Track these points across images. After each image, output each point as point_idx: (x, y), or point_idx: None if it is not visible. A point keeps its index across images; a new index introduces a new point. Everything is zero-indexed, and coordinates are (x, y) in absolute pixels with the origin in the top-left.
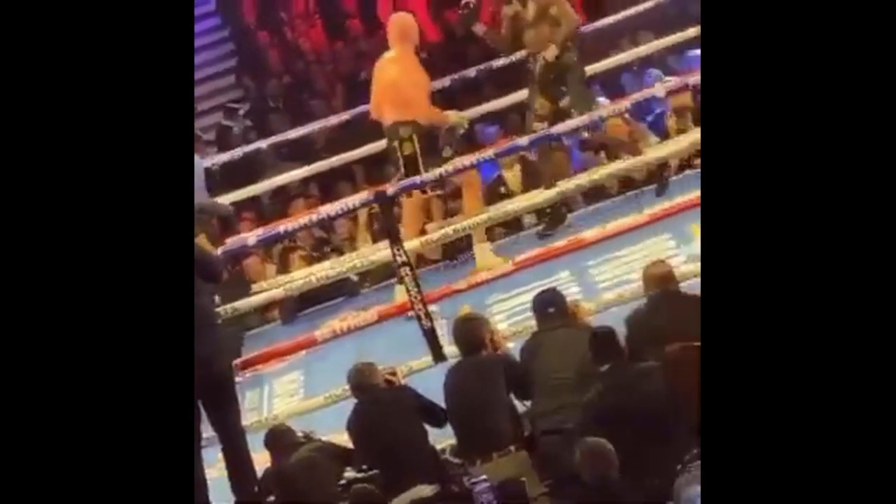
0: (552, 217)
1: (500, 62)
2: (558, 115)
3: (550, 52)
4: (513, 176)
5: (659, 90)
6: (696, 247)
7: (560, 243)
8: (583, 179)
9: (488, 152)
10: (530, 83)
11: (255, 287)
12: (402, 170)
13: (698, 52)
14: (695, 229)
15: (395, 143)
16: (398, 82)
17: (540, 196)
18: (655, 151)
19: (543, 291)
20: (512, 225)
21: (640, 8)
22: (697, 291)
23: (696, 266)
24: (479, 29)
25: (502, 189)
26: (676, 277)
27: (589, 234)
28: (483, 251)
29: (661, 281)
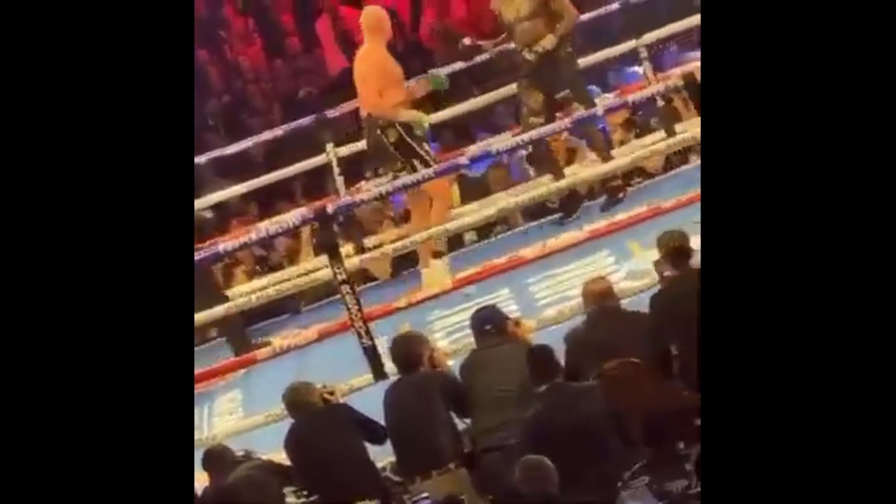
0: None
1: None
2: (553, 109)
3: (549, 41)
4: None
5: (598, 107)
6: (635, 263)
7: (500, 260)
8: (522, 196)
9: (429, 171)
10: (521, 78)
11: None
12: (398, 157)
13: (638, 68)
14: (634, 246)
15: (378, 134)
16: (368, 76)
17: (479, 213)
18: (596, 168)
19: (481, 309)
20: (453, 242)
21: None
22: (638, 308)
23: (636, 283)
24: (466, 41)
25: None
26: (616, 294)
27: (528, 251)
28: (433, 267)
29: (600, 297)
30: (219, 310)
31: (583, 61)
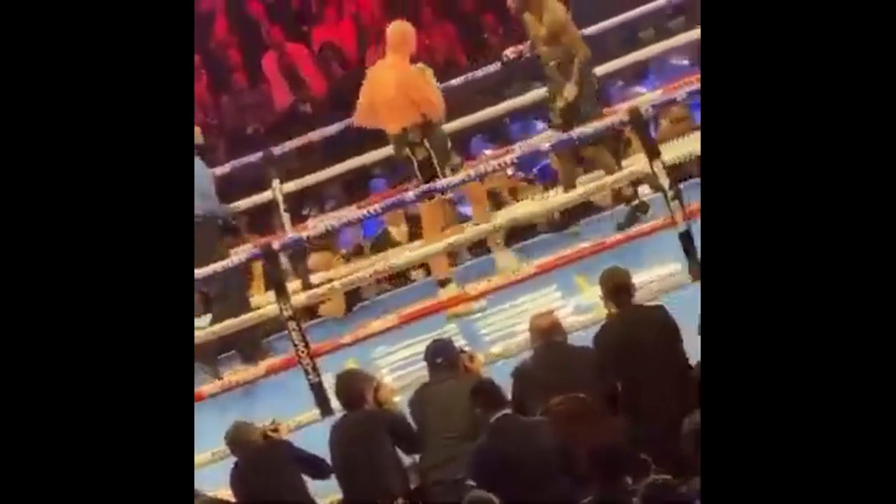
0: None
1: None
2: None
3: (570, 92)
4: (398, 231)
5: (543, 142)
6: (582, 298)
7: (447, 296)
8: (470, 233)
9: (373, 206)
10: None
11: None
12: (419, 175)
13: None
14: (580, 281)
15: (407, 151)
16: (401, 87)
17: (429, 247)
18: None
19: (436, 341)
20: (398, 278)
21: (528, 54)
22: (584, 343)
23: (583, 317)
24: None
25: (387, 243)
26: (563, 329)
27: (475, 287)
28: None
29: (547, 332)
30: None
31: (529, 96)
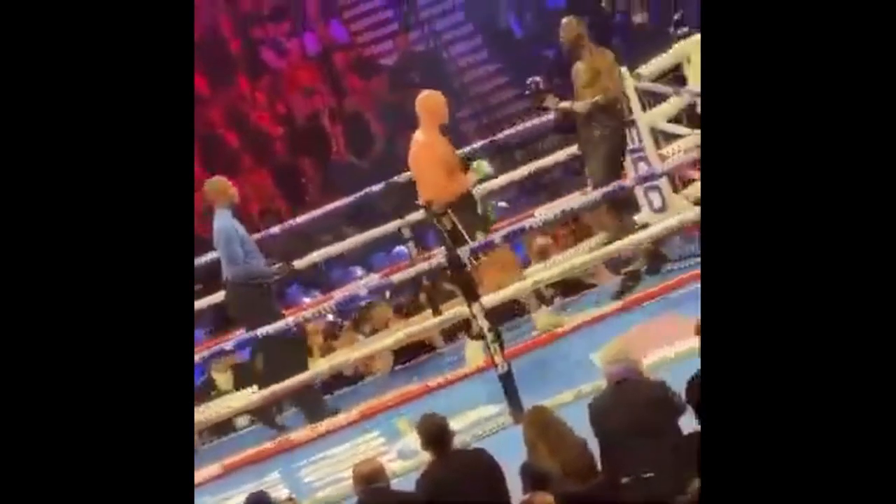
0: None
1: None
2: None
3: (579, 105)
4: (224, 379)
5: (361, 288)
6: (404, 443)
7: (269, 445)
8: (293, 380)
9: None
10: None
11: None
12: (450, 243)
13: (402, 248)
14: (402, 425)
15: (435, 221)
16: (421, 164)
17: (253, 395)
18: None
19: (252, 494)
20: (223, 427)
21: (350, 199)
22: (408, 487)
23: (408, 462)
24: (551, 102)
25: (212, 392)
26: (386, 475)
27: (298, 434)
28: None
29: (369, 479)
30: None
31: (349, 242)
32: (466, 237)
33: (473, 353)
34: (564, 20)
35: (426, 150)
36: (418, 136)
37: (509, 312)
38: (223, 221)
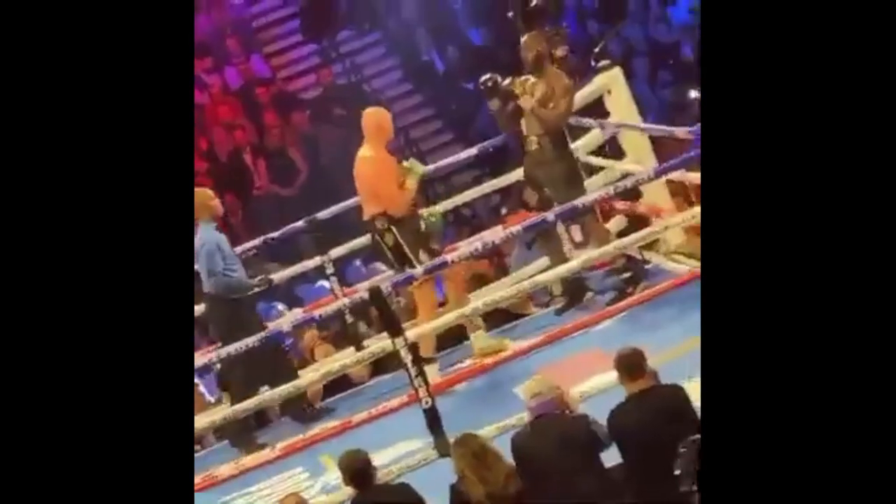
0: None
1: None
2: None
3: (526, 101)
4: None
5: (285, 324)
6: (328, 478)
7: (196, 480)
8: (218, 414)
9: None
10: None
11: None
12: (393, 261)
13: (325, 283)
14: (327, 460)
15: (377, 237)
16: (368, 178)
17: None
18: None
19: None
20: None
21: (270, 236)
22: None
23: (331, 497)
24: (493, 105)
25: None
26: None
27: (222, 469)
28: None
29: None
30: None
31: (276, 276)
32: (409, 254)
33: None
34: (526, 35)
35: (373, 163)
36: (364, 151)
37: (450, 335)
38: (205, 234)
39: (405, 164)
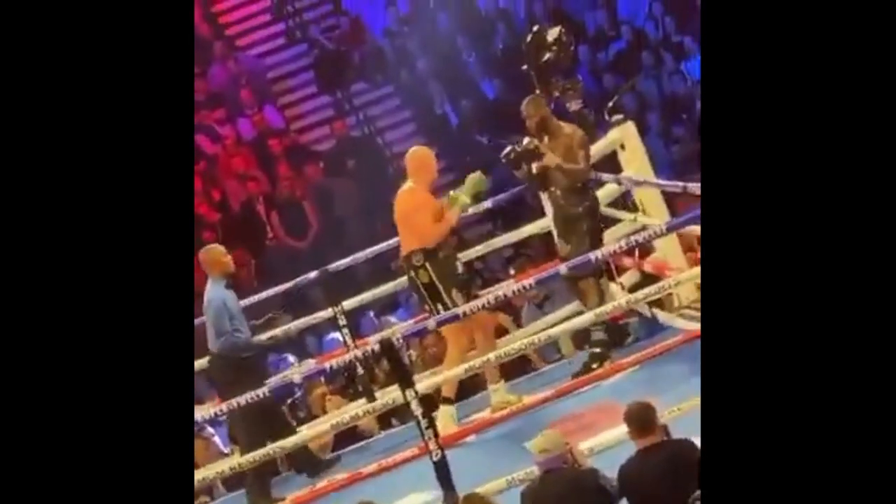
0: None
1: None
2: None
3: (550, 159)
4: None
5: (296, 375)
6: None
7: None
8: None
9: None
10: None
11: None
12: (427, 299)
13: (337, 334)
14: None
15: (412, 274)
16: (404, 211)
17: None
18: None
19: None
20: None
21: (281, 289)
22: None
23: None
24: (521, 173)
25: None
26: None
27: None
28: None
29: None
30: None
31: (283, 329)
32: (443, 292)
33: (445, 419)
34: (528, 98)
35: (411, 197)
36: (405, 187)
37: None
38: (214, 292)
39: (452, 193)
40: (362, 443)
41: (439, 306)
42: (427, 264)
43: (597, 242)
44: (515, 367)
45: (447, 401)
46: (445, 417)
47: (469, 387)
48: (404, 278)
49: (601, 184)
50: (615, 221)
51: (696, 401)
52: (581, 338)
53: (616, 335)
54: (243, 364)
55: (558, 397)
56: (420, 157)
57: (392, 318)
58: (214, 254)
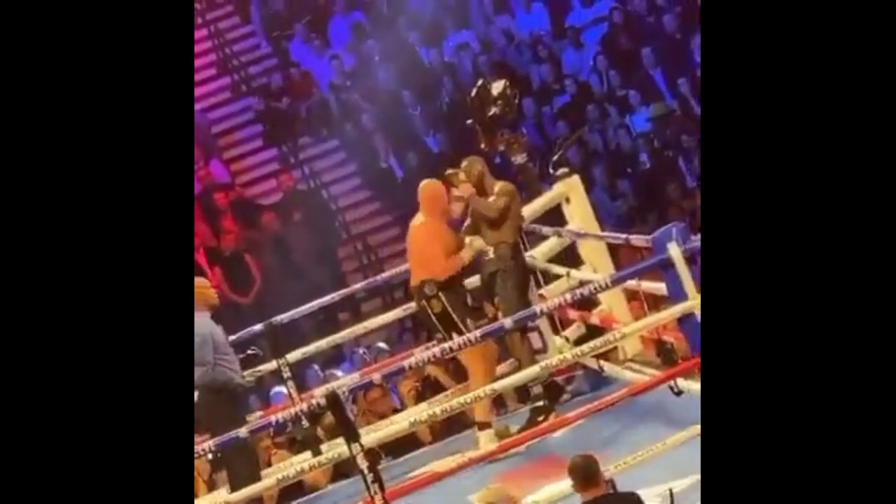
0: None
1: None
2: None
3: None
4: None
5: (243, 431)
6: None
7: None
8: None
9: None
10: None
11: None
12: (439, 329)
13: (281, 387)
14: None
15: (424, 303)
16: (417, 243)
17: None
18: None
19: None
20: None
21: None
22: None
23: None
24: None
25: None
26: None
27: None
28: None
29: None
30: None
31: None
32: (457, 321)
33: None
34: (466, 160)
35: (423, 228)
36: (416, 219)
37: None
38: (199, 326)
39: (468, 240)
40: (310, 496)
41: (454, 334)
42: (440, 294)
43: (526, 300)
44: (459, 422)
45: (483, 426)
46: (486, 440)
47: (409, 442)
48: (349, 330)
49: (543, 237)
50: (556, 277)
51: (644, 454)
52: (522, 393)
53: (552, 392)
54: (224, 401)
55: (503, 451)
56: (430, 191)
57: (338, 372)
58: (199, 288)
